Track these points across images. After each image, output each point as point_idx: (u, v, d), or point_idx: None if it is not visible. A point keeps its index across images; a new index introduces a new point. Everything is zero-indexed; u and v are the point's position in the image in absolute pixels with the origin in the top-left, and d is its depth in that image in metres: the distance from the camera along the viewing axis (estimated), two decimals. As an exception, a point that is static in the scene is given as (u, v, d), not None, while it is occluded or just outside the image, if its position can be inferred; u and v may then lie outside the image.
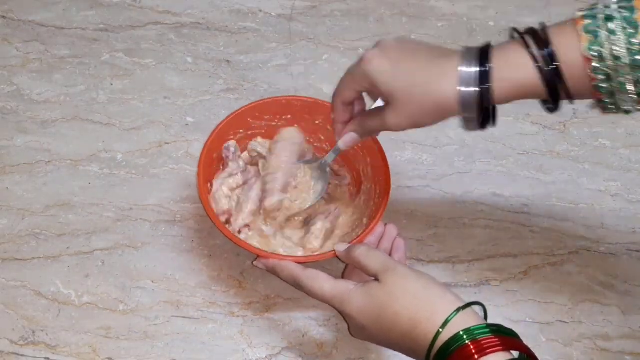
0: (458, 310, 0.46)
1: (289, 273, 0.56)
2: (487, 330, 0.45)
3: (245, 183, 0.66)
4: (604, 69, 0.44)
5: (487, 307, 0.49)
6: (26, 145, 0.74)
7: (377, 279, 0.51)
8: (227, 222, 0.64)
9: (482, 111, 0.48)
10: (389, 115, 0.52)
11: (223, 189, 0.65)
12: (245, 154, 0.69)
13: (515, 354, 0.45)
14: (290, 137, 0.68)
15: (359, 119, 0.58)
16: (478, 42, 0.84)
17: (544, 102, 0.49)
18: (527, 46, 0.46)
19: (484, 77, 0.47)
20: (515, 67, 0.47)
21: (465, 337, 0.45)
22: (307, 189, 0.66)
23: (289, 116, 0.69)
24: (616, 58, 0.43)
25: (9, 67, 0.81)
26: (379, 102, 0.56)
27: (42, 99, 0.78)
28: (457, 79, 0.47)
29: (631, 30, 0.43)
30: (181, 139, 0.76)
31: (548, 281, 0.67)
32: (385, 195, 0.61)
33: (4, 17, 0.85)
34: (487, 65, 0.47)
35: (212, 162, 0.66)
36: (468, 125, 0.51)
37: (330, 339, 0.63)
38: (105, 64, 0.82)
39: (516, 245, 0.70)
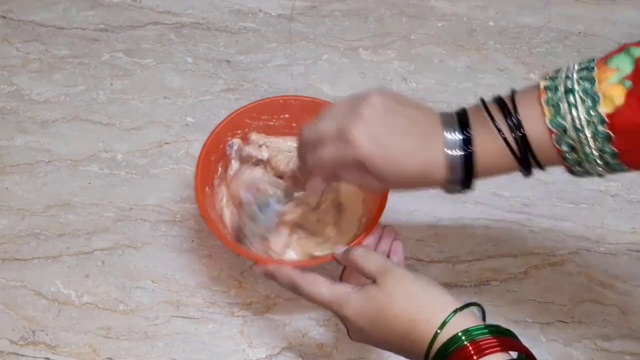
0: (456, 311, 0.46)
1: (287, 278, 0.56)
2: (486, 331, 0.45)
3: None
4: (568, 140, 0.44)
5: (487, 308, 0.49)
6: (26, 145, 0.74)
7: (375, 281, 0.51)
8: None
9: (466, 174, 0.48)
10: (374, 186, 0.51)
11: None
12: (246, 148, 0.69)
13: (514, 354, 0.45)
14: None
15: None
16: (478, 42, 0.85)
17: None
18: (492, 119, 0.46)
19: (467, 143, 0.47)
20: (490, 137, 0.47)
21: (463, 338, 0.45)
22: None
23: (287, 116, 0.69)
24: (578, 130, 0.43)
25: (9, 67, 0.81)
26: None
27: (42, 99, 0.78)
28: (442, 145, 0.47)
29: (590, 104, 0.43)
30: (181, 139, 0.76)
31: (548, 281, 0.67)
32: (384, 198, 0.61)
33: (4, 17, 0.85)
34: (468, 131, 0.47)
35: (210, 163, 0.66)
36: (450, 190, 0.51)
37: (330, 339, 0.63)
38: (105, 64, 0.82)
39: (516, 245, 0.70)
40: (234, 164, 0.67)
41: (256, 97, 0.78)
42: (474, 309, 0.48)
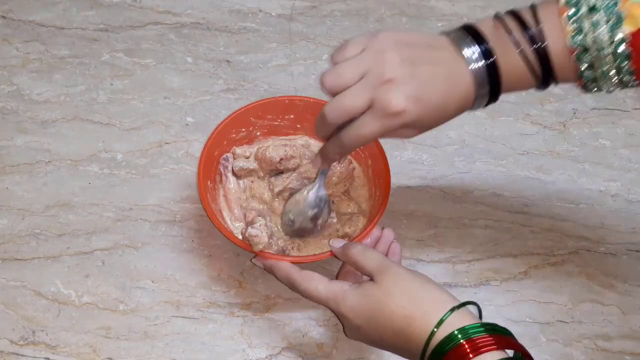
0: (452, 309, 0.46)
1: (285, 274, 0.56)
2: (482, 329, 0.45)
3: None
4: (588, 58, 0.44)
5: (487, 308, 0.49)
6: (26, 145, 0.74)
7: (372, 279, 0.51)
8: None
9: (492, 85, 0.48)
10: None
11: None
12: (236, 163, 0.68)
13: (510, 352, 0.45)
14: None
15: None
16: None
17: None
18: (509, 31, 0.47)
19: (487, 54, 0.47)
20: (507, 49, 0.47)
21: (460, 336, 0.45)
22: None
23: (292, 116, 0.69)
24: (600, 49, 0.44)
25: (9, 67, 0.81)
26: None
27: (42, 99, 0.78)
28: (465, 64, 0.48)
29: (614, 22, 0.43)
30: (181, 139, 0.76)
31: (548, 281, 0.67)
32: (384, 199, 0.61)
33: (4, 17, 0.85)
34: (486, 43, 0.47)
35: (212, 161, 0.66)
36: (476, 106, 0.51)
37: (330, 339, 0.63)
38: (105, 64, 0.82)
39: (516, 245, 0.70)
40: (231, 179, 0.67)
41: (256, 97, 0.78)
42: (471, 307, 0.48)
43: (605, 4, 0.44)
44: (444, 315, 0.46)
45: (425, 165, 0.75)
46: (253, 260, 0.59)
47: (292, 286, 0.56)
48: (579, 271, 0.68)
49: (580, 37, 0.44)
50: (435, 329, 0.46)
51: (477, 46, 0.47)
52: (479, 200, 0.72)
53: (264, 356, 0.62)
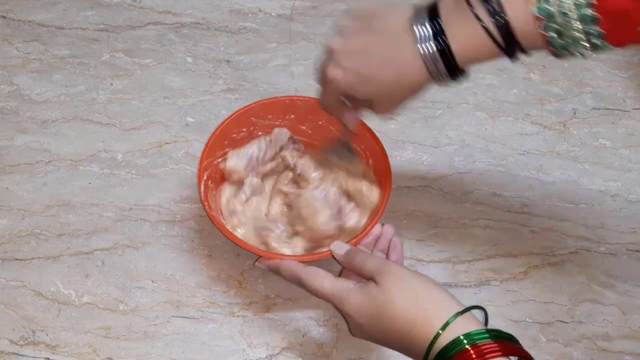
0: (457, 314, 0.46)
1: (291, 271, 0.56)
2: (487, 335, 0.45)
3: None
4: (555, 26, 0.44)
5: (487, 307, 0.49)
6: (26, 145, 0.74)
7: (374, 281, 0.51)
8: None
9: (448, 66, 0.49)
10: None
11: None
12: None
13: (514, 359, 0.45)
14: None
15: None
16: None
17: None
18: (469, 5, 0.46)
19: (438, 35, 0.48)
20: (468, 24, 0.47)
21: (465, 341, 0.45)
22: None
23: (293, 116, 0.69)
24: (565, 15, 0.44)
25: (9, 67, 0.81)
26: None
27: (42, 99, 0.78)
28: (413, 43, 0.48)
29: None
30: (181, 139, 0.76)
31: (548, 281, 0.67)
32: (385, 199, 0.61)
33: (4, 17, 0.85)
34: (438, 22, 0.48)
35: (214, 158, 0.66)
36: (440, 82, 0.51)
37: (330, 339, 0.63)
38: (105, 64, 0.82)
39: (516, 245, 0.70)
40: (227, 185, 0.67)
41: (256, 97, 0.78)
42: (476, 312, 0.48)
43: None
44: (449, 319, 0.46)
45: (425, 165, 0.75)
46: (257, 262, 0.59)
47: (299, 283, 0.56)
48: (579, 271, 0.68)
49: (545, 4, 0.44)
50: (440, 331, 0.46)
51: (427, 24, 0.48)
52: (479, 200, 0.72)
53: (263, 356, 0.62)
